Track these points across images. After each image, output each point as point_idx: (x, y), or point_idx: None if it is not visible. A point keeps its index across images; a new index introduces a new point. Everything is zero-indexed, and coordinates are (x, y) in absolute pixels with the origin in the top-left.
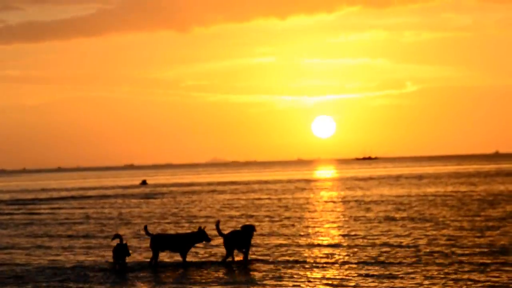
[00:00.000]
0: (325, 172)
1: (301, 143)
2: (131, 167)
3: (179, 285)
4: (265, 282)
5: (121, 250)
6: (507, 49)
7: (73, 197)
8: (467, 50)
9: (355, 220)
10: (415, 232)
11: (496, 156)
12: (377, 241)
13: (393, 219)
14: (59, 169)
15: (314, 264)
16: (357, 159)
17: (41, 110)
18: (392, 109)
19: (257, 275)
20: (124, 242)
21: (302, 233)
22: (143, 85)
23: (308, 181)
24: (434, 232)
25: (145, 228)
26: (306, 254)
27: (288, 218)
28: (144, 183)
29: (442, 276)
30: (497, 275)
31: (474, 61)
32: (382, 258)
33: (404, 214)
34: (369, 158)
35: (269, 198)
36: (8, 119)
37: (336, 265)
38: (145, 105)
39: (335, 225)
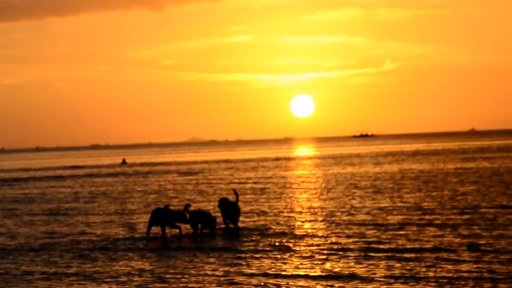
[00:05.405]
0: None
1: (280, 121)
2: (106, 147)
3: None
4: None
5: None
6: (482, 27)
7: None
8: (443, 28)
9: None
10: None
11: (471, 134)
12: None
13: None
14: (38, 149)
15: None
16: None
17: (17, 90)
18: (370, 87)
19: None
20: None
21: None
22: (120, 64)
23: (287, 159)
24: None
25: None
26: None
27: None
28: (124, 162)
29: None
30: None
31: (450, 39)
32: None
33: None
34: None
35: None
36: None
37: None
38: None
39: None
